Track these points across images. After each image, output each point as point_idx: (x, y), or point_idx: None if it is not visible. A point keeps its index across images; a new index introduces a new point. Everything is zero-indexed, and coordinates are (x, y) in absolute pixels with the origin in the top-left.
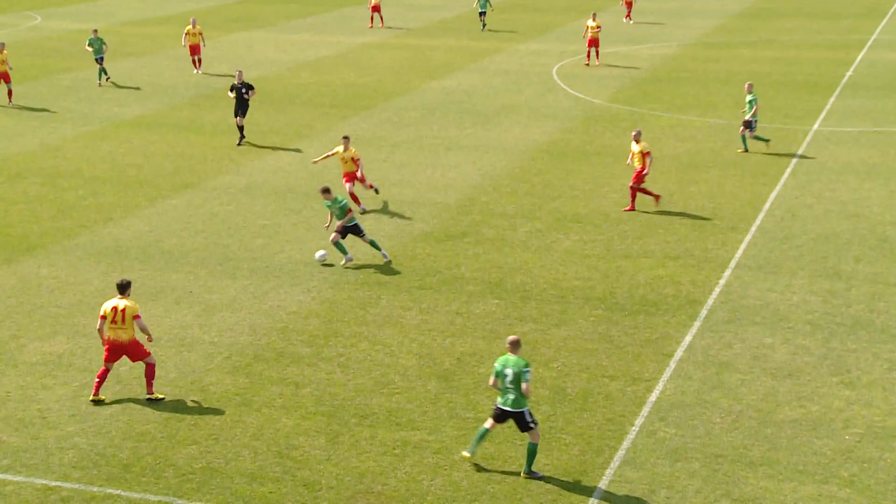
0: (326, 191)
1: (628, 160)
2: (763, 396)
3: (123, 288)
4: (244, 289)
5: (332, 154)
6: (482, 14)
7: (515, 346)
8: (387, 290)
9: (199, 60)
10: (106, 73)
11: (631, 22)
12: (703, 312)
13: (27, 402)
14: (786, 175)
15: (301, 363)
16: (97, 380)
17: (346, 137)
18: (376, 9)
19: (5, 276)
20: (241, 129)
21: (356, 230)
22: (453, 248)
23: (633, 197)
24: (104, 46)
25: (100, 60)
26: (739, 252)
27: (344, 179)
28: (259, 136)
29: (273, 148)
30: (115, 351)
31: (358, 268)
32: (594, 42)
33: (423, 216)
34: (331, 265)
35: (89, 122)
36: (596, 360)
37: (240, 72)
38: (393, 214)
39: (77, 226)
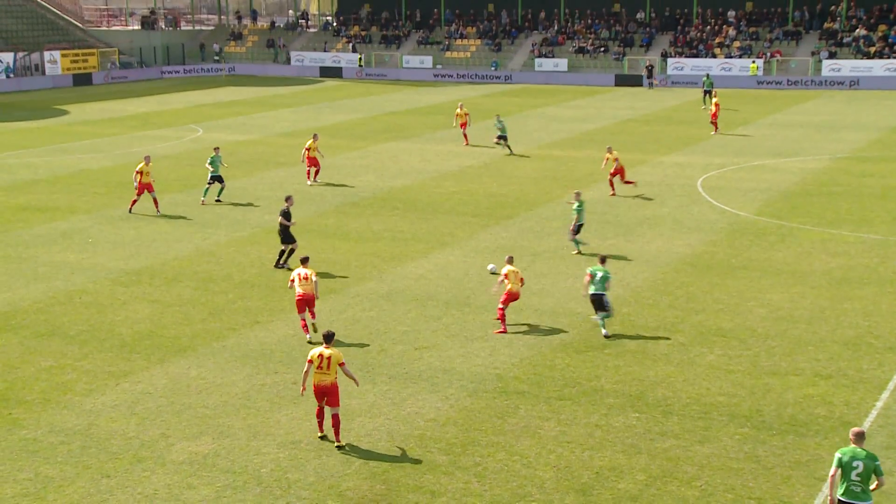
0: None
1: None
2: None
3: (329, 338)
4: (383, 394)
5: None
6: (502, 139)
7: (861, 437)
8: (525, 400)
9: (317, 172)
10: (219, 194)
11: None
12: None
13: (172, 502)
14: None
15: (437, 471)
16: (318, 418)
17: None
18: (464, 126)
19: (158, 376)
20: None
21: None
22: (593, 360)
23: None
24: (221, 164)
25: (216, 179)
26: None
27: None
28: (401, 243)
29: (415, 256)
30: (319, 395)
31: (496, 376)
32: (619, 172)
33: (562, 326)
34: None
35: (241, 228)
36: (742, 480)
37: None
38: (533, 323)
39: (226, 328)
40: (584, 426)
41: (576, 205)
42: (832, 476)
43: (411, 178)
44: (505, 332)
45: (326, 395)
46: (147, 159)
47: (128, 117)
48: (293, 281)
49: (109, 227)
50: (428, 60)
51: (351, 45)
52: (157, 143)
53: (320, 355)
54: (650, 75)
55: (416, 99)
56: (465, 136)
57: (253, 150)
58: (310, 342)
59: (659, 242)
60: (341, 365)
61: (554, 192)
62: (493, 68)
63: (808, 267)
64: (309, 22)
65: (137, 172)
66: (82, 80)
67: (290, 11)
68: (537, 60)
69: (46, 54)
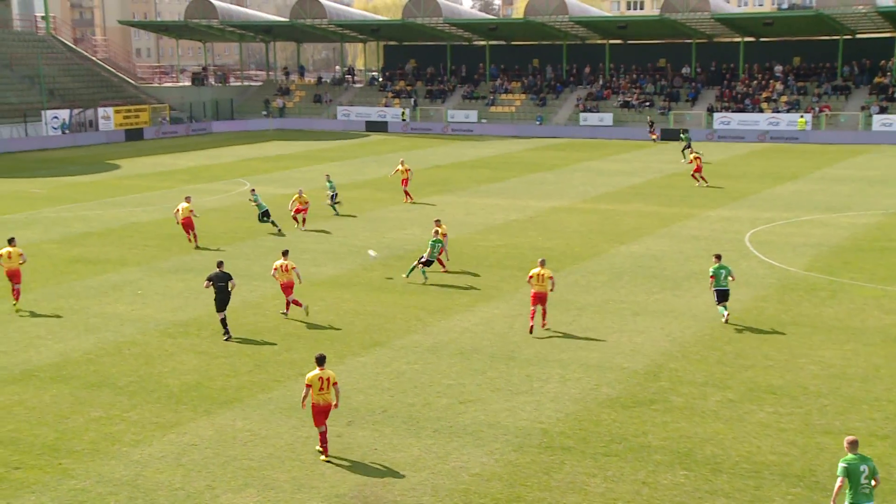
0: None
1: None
2: None
3: (322, 360)
4: (427, 448)
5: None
6: (333, 198)
7: (855, 445)
8: (571, 456)
9: (304, 220)
10: (276, 226)
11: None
12: None
13: None
14: None
15: None
16: (322, 443)
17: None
18: (405, 182)
19: (204, 427)
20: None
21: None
22: (640, 416)
23: None
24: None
25: (265, 214)
26: None
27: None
28: (446, 296)
29: (460, 309)
30: (321, 413)
31: (542, 431)
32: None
33: (609, 381)
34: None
35: None
36: None
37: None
38: (579, 378)
39: (271, 380)
40: (630, 483)
41: (432, 239)
42: (838, 487)
43: (456, 231)
44: (531, 331)
45: (327, 412)
46: (188, 199)
47: (178, 171)
48: (275, 269)
49: (159, 279)
50: (473, 114)
51: (396, 99)
52: (206, 196)
53: (320, 378)
54: (651, 129)
55: (460, 152)
56: (406, 192)
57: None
58: (283, 313)
59: (707, 297)
60: (335, 384)
61: (600, 246)
62: (537, 122)
63: (860, 324)
64: (355, 77)
65: (176, 211)
66: (134, 135)
67: (337, 67)
68: (582, 115)
69: (100, 110)
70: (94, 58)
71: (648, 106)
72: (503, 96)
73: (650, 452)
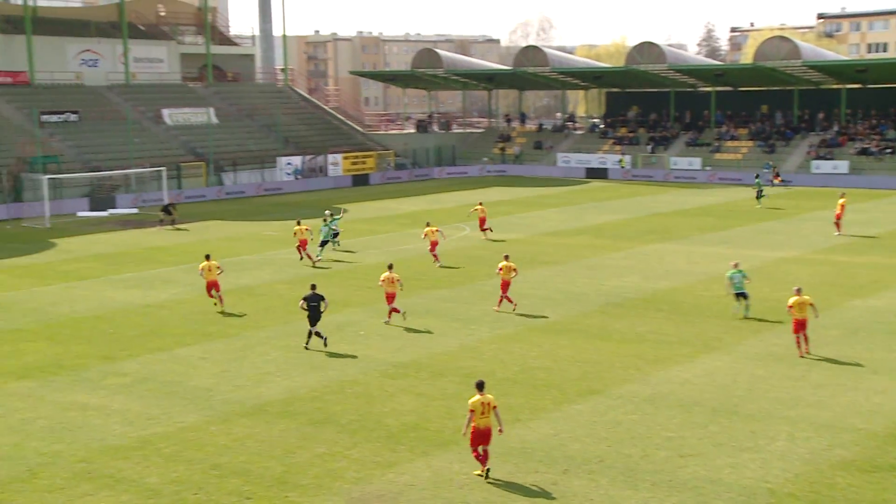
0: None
1: None
2: None
3: (482, 386)
4: (645, 502)
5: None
6: (335, 235)
7: None
8: None
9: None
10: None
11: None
12: None
13: None
14: None
15: None
16: (479, 460)
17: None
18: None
19: (421, 469)
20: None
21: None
22: (881, 481)
23: None
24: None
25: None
26: None
27: None
28: (666, 346)
29: (680, 359)
30: (481, 436)
31: (768, 491)
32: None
33: (843, 442)
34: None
35: (504, 325)
36: None
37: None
38: (808, 437)
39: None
40: None
41: (330, 220)
42: None
43: (677, 280)
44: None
45: (487, 435)
46: (299, 222)
47: (400, 215)
48: (383, 280)
49: (380, 320)
50: (697, 162)
51: (618, 146)
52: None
53: (482, 403)
54: (776, 174)
55: (683, 200)
56: (486, 228)
57: (518, 248)
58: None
59: None
60: (494, 408)
61: (832, 300)
62: (765, 170)
63: None
64: (576, 124)
65: (294, 234)
66: (360, 180)
67: (558, 114)
68: (814, 162)
69: (330, 157)
70: (325, 107)
71: (890, 153)
72: (729, 143)
73: None
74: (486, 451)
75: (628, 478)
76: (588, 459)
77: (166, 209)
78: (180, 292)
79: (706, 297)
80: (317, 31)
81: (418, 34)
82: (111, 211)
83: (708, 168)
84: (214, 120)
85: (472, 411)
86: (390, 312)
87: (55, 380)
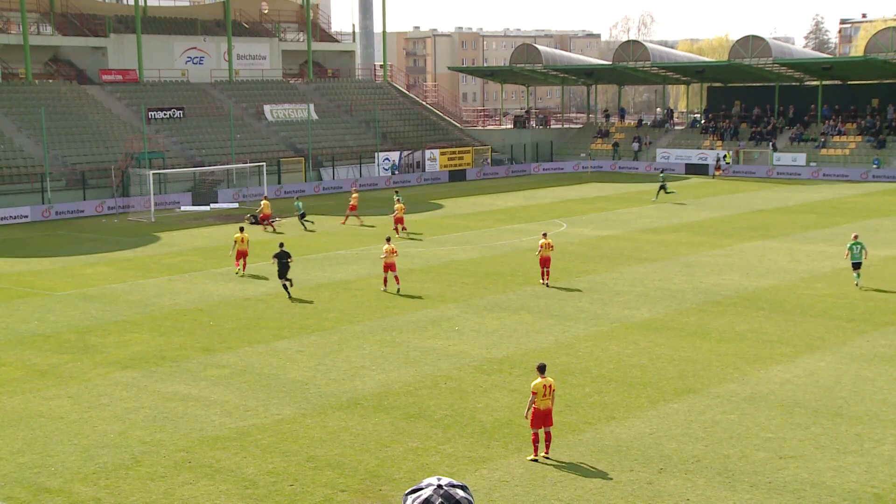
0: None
1: None
2: None
3: (543, 368)
4: (744, 502)
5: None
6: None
7: None
8: None
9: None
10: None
11: None
12: None
13: None
14: None
15: None
16: (534, 444)
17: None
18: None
19: (514, 466)
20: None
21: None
22: None
23: None
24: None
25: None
26: None
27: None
28: (766, 346)
29: (780, 359)
30: (542, 417)
31: (874, 496)
32: None
33: None
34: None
35: (600, 322)
36: None
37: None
38: None
39: (581, 422)
40: None
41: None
42: None
43: (779, 278)
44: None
45: (547, 416)
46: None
47: (496, 211)
48: (535, 393)
49: (474, 315)
50: (801, 158)
51: (720, 141)
52: (522, 236)
53: (544, 385)
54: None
55: (786, 197)
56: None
57: (615, 244)
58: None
59: None
60: (553, 391)
61: None
62: (874, 166)
63: None
64: (675, 119)
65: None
66: (457, 175)
67: (658, 109)
68: None
69: (427, 152)
70: (423, 102)
71: None
72: (836, 138)
73: None
74: (548, 434)
75: (726, 478)
76: (684, 459)
77: (255, 219)
78: (277, 286)
79: (809, 295)
80: (416, 27)
81: (518, 29)
82: (213, 205)
83: (813, 164)
84: (314, 116)
85: (534, 393)
86: (385, 280)
87: (157, 370)
